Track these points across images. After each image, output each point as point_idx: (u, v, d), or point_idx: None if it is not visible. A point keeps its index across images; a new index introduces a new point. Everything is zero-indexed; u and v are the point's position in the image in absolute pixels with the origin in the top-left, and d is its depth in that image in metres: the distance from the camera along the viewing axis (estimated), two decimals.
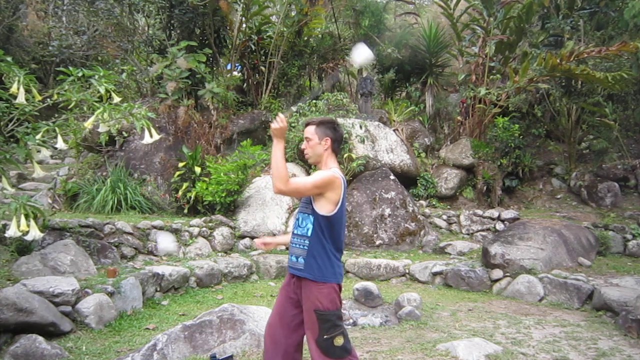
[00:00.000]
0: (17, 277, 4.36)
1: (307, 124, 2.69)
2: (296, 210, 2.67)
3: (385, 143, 9.25)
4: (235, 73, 10.41)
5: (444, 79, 12.41)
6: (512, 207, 9.28)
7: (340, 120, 8.81)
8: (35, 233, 3.31)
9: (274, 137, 2.46)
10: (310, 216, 2.53)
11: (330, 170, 2.55)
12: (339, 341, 2.45)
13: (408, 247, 7.88)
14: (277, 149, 2.42)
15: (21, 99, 3.23)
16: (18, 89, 3.21)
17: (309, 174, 8.24)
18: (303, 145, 2.71)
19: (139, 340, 3.99)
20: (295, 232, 2.61)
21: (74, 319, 4.12)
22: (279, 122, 2.44)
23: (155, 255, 6.30)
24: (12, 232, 3.24)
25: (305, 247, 2.52)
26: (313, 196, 2.54)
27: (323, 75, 11.99)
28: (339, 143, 2.70)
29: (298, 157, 8.71)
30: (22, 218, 3.26)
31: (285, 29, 9.94)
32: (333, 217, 2.50)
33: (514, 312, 5.19)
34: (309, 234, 2.52)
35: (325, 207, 2.50)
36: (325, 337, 2.44)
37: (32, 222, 3.31)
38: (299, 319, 2.59)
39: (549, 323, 4.78)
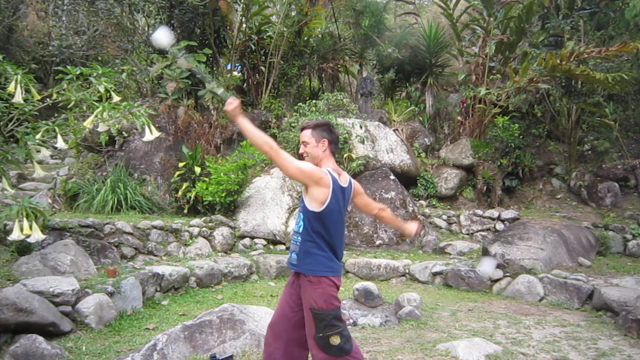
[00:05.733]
0: (17, 277, 4.36)
1: (303, 128, 2.72)
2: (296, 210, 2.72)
3: (385, 143, 9.25)
4: (235, 73, 10.41)
5: (444, 79, 12.41)
6: (512, 207, 9.28)
7: (340, 120, 8.80)
8: (37, 235, 3.30)
9: (234, 118, 2.48)
10: (301, 213, 2.61)
11: (323, 169, 2.60)
12: (334, 340, 2.46)
13: (408, 247, 7.88)
14: (244, 124, 2.43)
15: (18, 98, 3.21)
16: (15, 88, 3.20)
17: None
18: (301, 150, 2.72)
19: (139, 340, 3.98)
20: (295, 229, 2.70)
21: (74, 319, 4.12)
22: (229, 104, 2.46)
23: (155, 255, 6.30)
24: (15, 235, 3.23)
25: (298, 243, 2.59)
26: (303, 191, 2.62)
27: (323, 75, 11.99)
28: (335, 144, 2.75)
29: (297, 159, 8.70)
30: (25, 221, 3.25)
31: (285, 29, 9.94)
32: (322, 213, 2.52)
33: (514, 312, 5.19)
34: (301, 230, 2.59)
35: (312, 204, 2.54)
36: (320, 335, 2.47)
37: (35, 225, 3.30)
38: (299, 316, 2.61)
39: (549, 323, 4.78)
